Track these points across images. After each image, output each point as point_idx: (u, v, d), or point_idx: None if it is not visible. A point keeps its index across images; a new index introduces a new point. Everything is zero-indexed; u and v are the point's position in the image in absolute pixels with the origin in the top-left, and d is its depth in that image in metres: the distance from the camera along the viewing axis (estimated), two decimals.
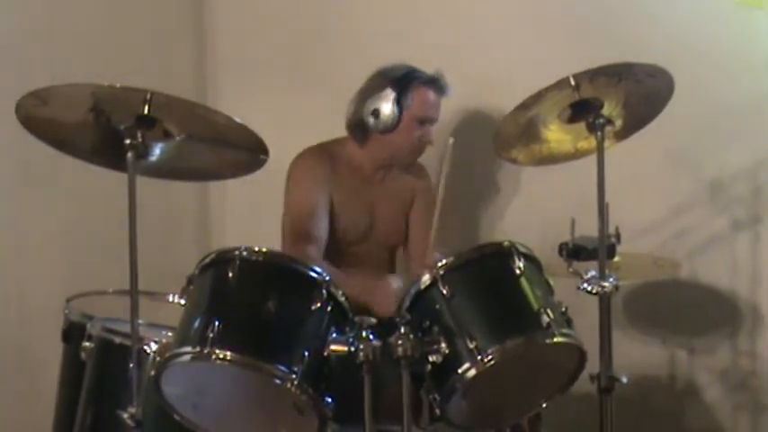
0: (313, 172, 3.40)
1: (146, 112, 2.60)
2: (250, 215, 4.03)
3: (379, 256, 3.48)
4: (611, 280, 2.82)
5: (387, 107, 3.31)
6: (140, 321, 2.70)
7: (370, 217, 3.45)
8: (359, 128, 3.39)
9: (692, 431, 3.71)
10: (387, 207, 3.48)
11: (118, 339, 2.93)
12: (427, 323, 2.66)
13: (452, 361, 2.63)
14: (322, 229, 3.36)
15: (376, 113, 3.33)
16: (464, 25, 3.86)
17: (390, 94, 3.32)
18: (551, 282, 2.83)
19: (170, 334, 2.76)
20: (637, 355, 3.61)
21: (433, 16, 3.91)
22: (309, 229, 3.34)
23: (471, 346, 2.62)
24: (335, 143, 3.47)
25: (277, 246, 3.39)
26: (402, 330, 2.59)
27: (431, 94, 3.38)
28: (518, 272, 2.74)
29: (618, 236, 3.02)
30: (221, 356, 2.56)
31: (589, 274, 2.85)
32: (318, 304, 2.66)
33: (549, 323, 2.67)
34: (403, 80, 3.34)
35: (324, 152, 3.44)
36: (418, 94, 3.35)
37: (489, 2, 3.84)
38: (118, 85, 2.57)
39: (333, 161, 3.43)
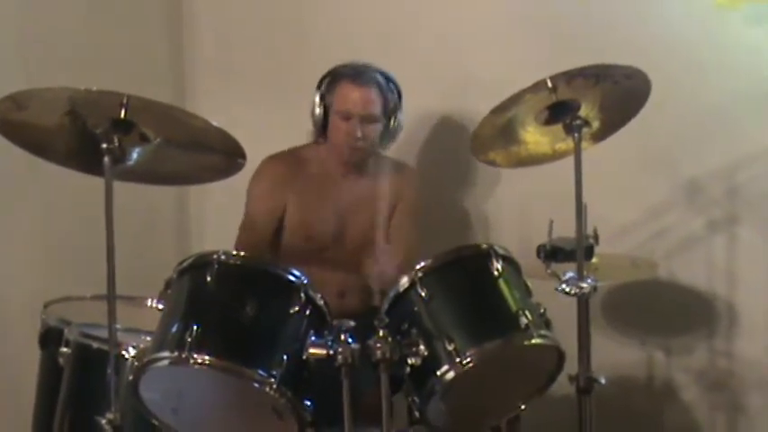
0: (269, 180, 3.40)
1: (122, 115, 2.59)
2: (229, 219, 3.99)
3: (353, 260, 3.40)
4: (589, 281, 2.82)
5: (315, 110, 3.37)
6: (118, 326, 2.68)
7: (339, 220, 3.42)
8: (314, 130, 3.43)
9: (670, 431, 3.73)
10: (359, 210, 3.43)
11: (96, 344, 2.92)
12: (406, 326, 2.67)
13: (431, 363, 2.64)
14: (268, 236, 3.39)
15: (312, 114, 3.37)
16: (444, 28, 3.86)
17: (317, 97, 3.37)
18: (529, 283, 2.84)
19: (148, 338, 2.75)
20: (615, 355, 3.62)
21: (413, 20, 3.90)
22: (257, 236, 3.37)
23: (450, 348, 2.63)
24: (305, 148, 3.46)
25: None
26: (381, 333, 2.59)
27: (352, 89, 3.34)
28: (496, 273, 2.75)
29: (596, 237, 3.02)
30: (200, 361, 2.57)
31: (567, 276, 2.86)
32: (297, 308, 2.66)
33: (527, 325, 2.69)
34: (326, 80, 3.37)
35: (290, 157, 3.44)
36: (339, 91, 3.35)
37: (468, 4, 3.84)
38: (94, 88, 2.56)
39: (299, 165, 3.42)
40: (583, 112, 2.85)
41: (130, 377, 2.68)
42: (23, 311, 3.40)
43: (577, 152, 2.81)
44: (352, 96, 3.34)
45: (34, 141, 2.73)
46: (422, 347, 2.63)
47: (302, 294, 2.67)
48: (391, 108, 3.39)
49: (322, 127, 3.38)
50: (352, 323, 2.62)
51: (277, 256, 3.37)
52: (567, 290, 2.83)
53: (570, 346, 2.81)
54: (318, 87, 3.38)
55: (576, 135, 2.82)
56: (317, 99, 3.37)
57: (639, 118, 2.99)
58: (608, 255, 3.11)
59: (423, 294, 2.69)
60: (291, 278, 2.70)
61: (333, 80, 3.36)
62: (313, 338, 2.64)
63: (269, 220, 3.41)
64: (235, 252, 2.74)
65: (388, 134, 3.42)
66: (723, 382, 3.61)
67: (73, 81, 2.61)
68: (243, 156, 2.75)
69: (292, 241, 3.41)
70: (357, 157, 3.42)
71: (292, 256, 3.31)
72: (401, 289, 2.72)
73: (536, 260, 3.03)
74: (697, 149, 3.57)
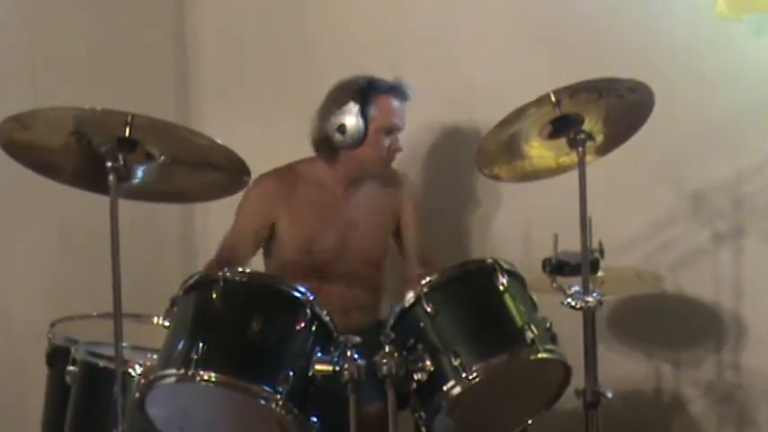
0: (258, 196, 3.33)
1: (127, 134, 2.60)
2: None
3: (359, 272, 3.41)
4: (594, 295, 2.82)
5: (352, 121, 3.25)
6: (125, 344, 2.69)
7: (342, 235, 3.37)
8: (326, 145, 3.33)
9: None
10: (362, 223, 3.42)
11: (102, 363, 2.91)
12: (412, 341, 2.67)
13: (437, 379, 2.64)
14: (250, 253, 3.35)
15: (342, 129, 3.26)
16: (449, 42, 3.87)
17: (354, 108, 3.25)
18: (535, 297, 2.84)
19: (155, 356, 2.76)
20: (622, 369, 3.61)
21: (418, 34, 3.91)
22: (234, 252, 3.31)
23: (456, 363, 2.63)
24: (304, 163, 3.40)
25: (261, 266, 3.39)
26: (387, 349, 2.60)
27: (394, 102, 3.32)
28: (501, 288, 2.75)
29: (602, 250, 3.02)
30: (206, 378, 2.57)
31: (573, 290, 2.85)
32: (303, 324, 2.66)
33: (533, 339, 2.69)
34: (364, 91, 3.28)
35: (285, 172, 3.38)
36: (381, 104, 3.29)
37: (473, 18, 3.84)
38: (99, 108, 2.57)
39: (296, 179, 3.36)
40: (586, 125, 2.85)
41: (137, 395, 2.68)
42: (30, 330, 3.39)
43: (582, 166, 2.81)
44: (397, 111, 3.33)
45: (40, 161, 2.74)
46: (428, 363, 2.63)
47: (308, 310, 2.67)
48: None
49: (362, 140, 3.28)
50: (357, 339, 2.63)
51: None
52: (573, 304, 2.83)
53: (577, 359, 2.80)
54: (356, 101, 3.27)
55: (580, 149, 2.82)
56: (356, 113, 3.26)
57: (644, 130, 2.99)
58: (614, 268, 3.10)
59: (428, 310, 2.70)
60: (297, 294, 2.70)
61: (371, 94, 3.29)
62: (319, 355, 2.64)
63: (254, 238, 3.35)
64: (240, 269, 2.74)
65: None
66: (731, 395, 3.60)
67: (78, 100, 2.62)
68: (247, 173, 2.75)
69: (294, 257, 3.36)
70: (387, 169, 3.43)
71: (296, 271, 3.30)
72: (407, 304, 2.73)
73: (542, 274, 3.03)
74: (702, 161, 3.57)
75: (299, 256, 3.34)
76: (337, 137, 3.28)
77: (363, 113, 3.26)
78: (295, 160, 3.44)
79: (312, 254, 3.35)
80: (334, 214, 3.38)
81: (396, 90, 3.33)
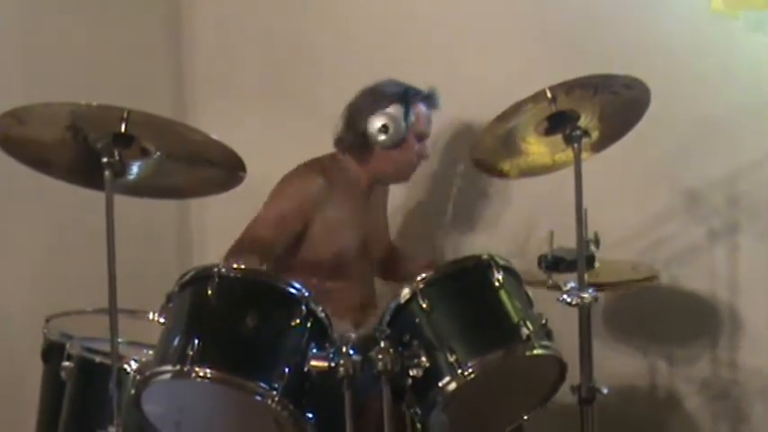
0: (298, 199, 3.32)
1: (123, 130, 2.59)
2: (231, 232, 4.01)
3: (371, 270, 3.48)
4: (590, 291, 2.82)
5: (395, 123, 3.27)
6: (120, 340, 2.69)
7: (363, 234, 3.40)
8: (358, 144, 3.34)
9: None
10: (374, 222, 3.47)
11: (98, 358, 2.92)
12: (407, 337, 2.67)
13: (433, 374, 2.64)
14: (280, 249, 3.30)
15: (385, 129, 3.27)
16: (444, 39, 3.87)
17: (399, 110, 3.29)
18: (531, 293, 2.84)
19: (150, 352, 2.76)
20: (617, 365, 3.61)
21: (413, 32, 3.91)
22: (271, 242, 3.27)
23: (451, 359, 2.63)
24: (331, 160, 3.40)
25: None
26: (382, 345, 2.60)
27: (428, 111, 3.40)
28: (497, 284, 2.75)
29: (597, 241, 3.02)
30: (201, 374, 2.57)
31: (568, 286, 2.85)
32: (298, 320, 2.66)
33: (528, 335, 2.69)
34: (406, 96, 3.33)
35: (325, 172, 3.35)
36: (418, 111, 3.36)
37: (469, 16, 3.84)
38: (95, 103, 2.57)
39: (332, 181, 3.34)
40: (582, 122, 2.85)
41: (133, 391, 2.68)
42: (25, 326, 3.40)
43: (577, 162, 2.81)
44: (429, 119, 3.41)
45: (35, 157, 2.73)
46: (423, 359, 2.63)
47: (303, 307, 2.67)
48: None
49: (401, 142, 3.31)
50: (353, 335, 2.63)
51: (289, 271, 3.28)
52: (569, 300, 2.83)
53: (572, 356, 2.81)
54: (401, 104, 3.30)
55: (575, 145, 2.82)
56: (401, 116, 3.29)
57: (640, 127, 2.99)
58: (610, 262, 3.11)
59: (424, 306, 2.70)
60: (292, 291, 2.70)
61: (411, 100, 3.34)
62: (314, 351, 2.64)
63: (284, 242, 3.30)
64: (235, 265, 2.73)
65: None
66: (726, 392, 3.60)
67: (73, 95, 2.62)
68: (243, 169, 2.75)
69: (319, 257, 3.34)
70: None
71: (318, 270, 3.28)
72: (402, 300, 2.72)
73: (537, 270, 3.03)
74: (697, 158, 3.57)
75: (324, 257, 3.33)
76: (380, 137, 3.29)
77: (406, 117, 3.31)
78: (321, 155, 3.42)
79: (338, 254, 3.35)
80: (360, 216, 3.40)
81: (431, 99, 3.41)
